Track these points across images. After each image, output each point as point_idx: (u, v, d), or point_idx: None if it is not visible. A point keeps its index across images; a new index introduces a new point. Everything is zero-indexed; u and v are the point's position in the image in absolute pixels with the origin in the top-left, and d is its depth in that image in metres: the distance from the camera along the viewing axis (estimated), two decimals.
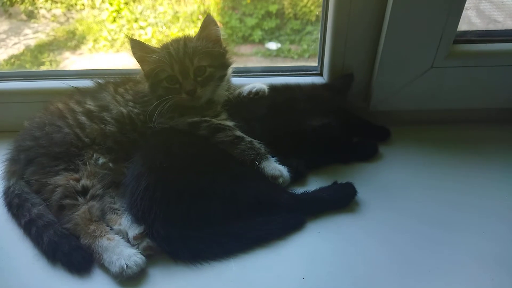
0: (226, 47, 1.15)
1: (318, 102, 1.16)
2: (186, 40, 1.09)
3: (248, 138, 1.06)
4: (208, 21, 1.09)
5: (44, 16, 2.32)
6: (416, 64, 1.19)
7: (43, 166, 1.01)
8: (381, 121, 1.27)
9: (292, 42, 2.32)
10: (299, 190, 1.04)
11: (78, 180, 0.99)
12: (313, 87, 1.26)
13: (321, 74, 1.34)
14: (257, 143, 1.06)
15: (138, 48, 1.08)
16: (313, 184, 1.08)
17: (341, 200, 1.02)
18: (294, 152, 1.10)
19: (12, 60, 2.21)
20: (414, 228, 0.96)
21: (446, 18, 1.10)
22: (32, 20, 2.34)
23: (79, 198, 0.96)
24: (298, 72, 1.36)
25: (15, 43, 2.27)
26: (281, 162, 1.05)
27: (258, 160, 1.02)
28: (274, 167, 1.03)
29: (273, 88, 1.21)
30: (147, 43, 1.09)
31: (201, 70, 1.08)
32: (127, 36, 1.10)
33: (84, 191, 0.98)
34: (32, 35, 2.32)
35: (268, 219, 0.96)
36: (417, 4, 1.08)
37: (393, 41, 1.14)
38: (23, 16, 2.32)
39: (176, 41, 1.11)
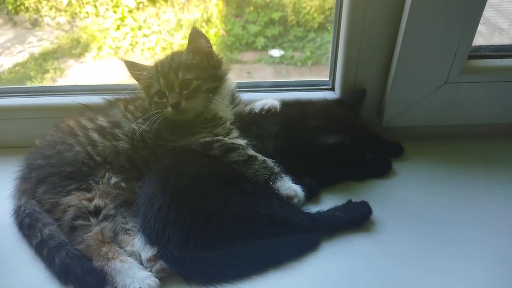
0: (220, 58, 1.16)
1: (331, 118, 1.15)
2: (174, 55, 1.12)
3: (261, 157, 1.05)
4: (194, 34, 1.09)
5: (48, 24, 2.31)
6: (430, 80, 1.18)
7: (55, 186, 1.00)
8: (393, 136, 1.25)
9: (295, 49, 2.31)
10: (313, 208, 1.02)
11: (90, 200, 0.98)
12: (325, 102, 1.24)
13: (333, 89, 1.33)
14: (270, 162, 1.04)
15: (132, 67, 1.12)
16: (327, 202, 1.07)
17: (357, 220, 1.00)
18: (306, 169, 1.09)
19: (17, 68, 2.20)
20: (432, 248, 0.95)
21: (461, 33, 1.09)
22: (37, 28, 2.34)
23: (92, 219, 0.95)
24: (310, 87, 1.34)
25: (20, 51, 2.27)
26: (294, 180, 1.04)
27: (272, 180, 1.01)
28: (289, 186, 1.01)
29: (285, 104, 1.20)
30: (139, 62, 1.13)
31: (187, 83, 1.08)
32: (120, 58, 1.11)
33: (96, 212, 0.97)
34: (37, 43, 2.32)
35: (283, 239, 0.95)
36: (432, 18, 1.06)
37: (408, 56, 1.13)
38: (28, 24, 2.32)
39: (166, 56, 1.13)
